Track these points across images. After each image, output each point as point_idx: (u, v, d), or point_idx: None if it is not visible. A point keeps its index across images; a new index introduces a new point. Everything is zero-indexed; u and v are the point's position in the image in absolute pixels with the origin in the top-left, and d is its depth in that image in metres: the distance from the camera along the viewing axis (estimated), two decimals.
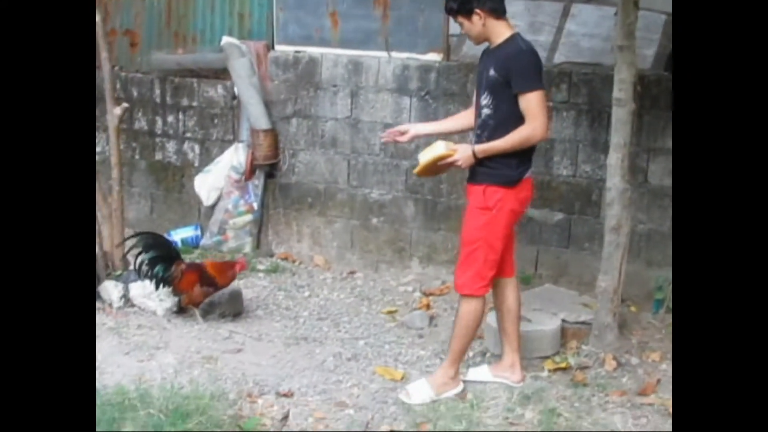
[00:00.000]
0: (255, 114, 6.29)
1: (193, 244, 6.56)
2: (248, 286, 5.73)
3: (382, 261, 6.21)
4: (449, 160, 4.14)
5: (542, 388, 4.25)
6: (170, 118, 6.82)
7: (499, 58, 4.07)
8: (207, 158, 6.67)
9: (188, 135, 6.77)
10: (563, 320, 4.83)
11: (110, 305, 5.12)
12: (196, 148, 6.76)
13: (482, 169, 4.11)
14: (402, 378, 4.42)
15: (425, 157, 4.21)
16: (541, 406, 4.08)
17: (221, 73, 6.52)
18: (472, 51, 5.95)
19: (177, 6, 6.81)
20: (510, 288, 4.36)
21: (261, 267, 6.16)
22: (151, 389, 3.94)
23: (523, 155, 4.09)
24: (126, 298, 5.17)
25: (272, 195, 6.52)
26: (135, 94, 6.86)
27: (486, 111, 4.10)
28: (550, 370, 4.51)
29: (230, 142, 6.58)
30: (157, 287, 5.04)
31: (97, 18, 5.20)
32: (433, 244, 6.06)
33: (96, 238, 5.32)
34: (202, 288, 5.06)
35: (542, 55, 5.66)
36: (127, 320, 4.99)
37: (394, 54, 6.06)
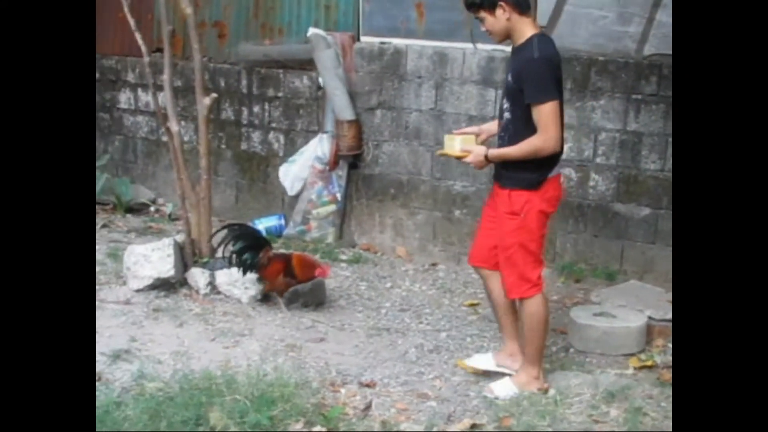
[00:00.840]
0: (340, 105, 6.33)
1: (276, 233, 6.64)
2: (331, 276, 5.76)
3: (464, 253, 6.17)
4: (463, 161, 4.15)
5: (627, 386, 4.18)
6: (256, 109, 6.91)
7: (516, 63, 3.95)
8: (291, 148, 6.74)
9: (273, 125, 6.86)
10: (649, 317, 4.75)
11: (197, 292, 5.22)
12: (281, 138, 6.84)
13: (505, 173, 4.06)
14: (484, 371, 4.41)
15: (446, 146, 4.23)
16: (627, 404, 4.01)
17: (307, 64, 6.58)
18: (559, 43, 5.85)
19: None
20: (493, 280, 4.27)
21: (343, 257, 6.21)
22: (237, 375, 4.00)
23: (540, 160, 3.96)
24: (212, 285, 5.26)
25: (355, 186, 6.56)
26: (222, 84, 6.97)
27: (507, 115, 4.02)
28: (635, 368, 4.44)
29: (315, 133, 6.63)
30: (244, 273, 5.13)
31: (188, 10, 5.30)
32: None
33: (185, 227, 5.44)
34: (285, 279, 5.12)
35: (631, 47, 5.61)
36: (213, 307, 5.08)
37: (479, 45, 6.03)
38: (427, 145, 6.23)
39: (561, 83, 3.98)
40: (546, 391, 4.14)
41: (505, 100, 4.04)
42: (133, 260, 5.23)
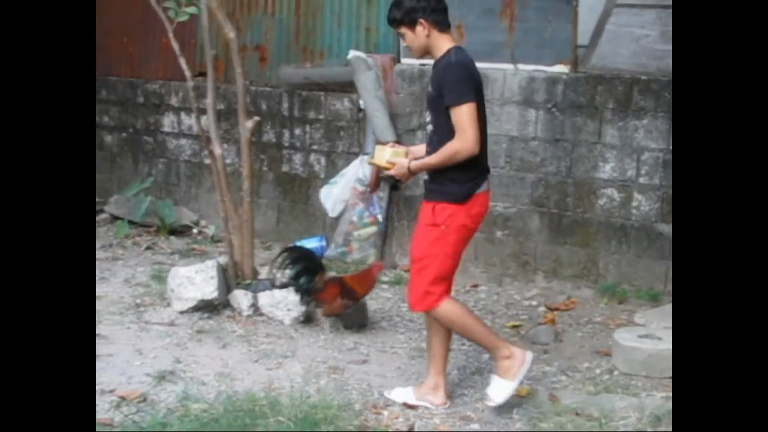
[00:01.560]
0: (380, 126, 6.36)
1: (317, 255, 6.66)
2: (372, 298, 5.78)
3: (506, 275, 6.17)
4: (387, 173, 4.26)
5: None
6: (297, 131, 6.97)
7: (435, 74, 4.04)
8: (332, 170, 6.79)
9: (314, 147, 6.91)
10: None
11: (240, 313, 5.26)
12: (322, 160, 6.89)
13: (432, 186, 4.09)
14: (527, 393, 4.38)
15: (376, 157, 4.32)
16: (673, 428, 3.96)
17: (347, 87, 6.63)
18: (601, 62, 5.87)
19: (305, 22, 6.98)
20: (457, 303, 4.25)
21: (385, 279, 6.22)
22: (280, 397, 4.03)
23: (470, 171, 4.00)
24: (255, 306, 5.29)
25: (396, 207, 6.58)
26: (264, 107, 7.04)
27: (430, 127, 4.09)
28: None
29: (356, 155, 6.67)
30: (301, 299, 5.17)
31: (231, 35, 5.37)
32: (558, 258, 5.99)
33: (228, 249, 5.49)
34: (343, 300, 5.12)
35: (669, 63, 5.57)
36: (256, 328, 5.11)
37: (520, 66, 6.03)
38: None
39: (481, 91, 4.04)
40: (591, 415, 4.11)
41: (427, 113, 4.13)
42: (177, 282, 5.28)
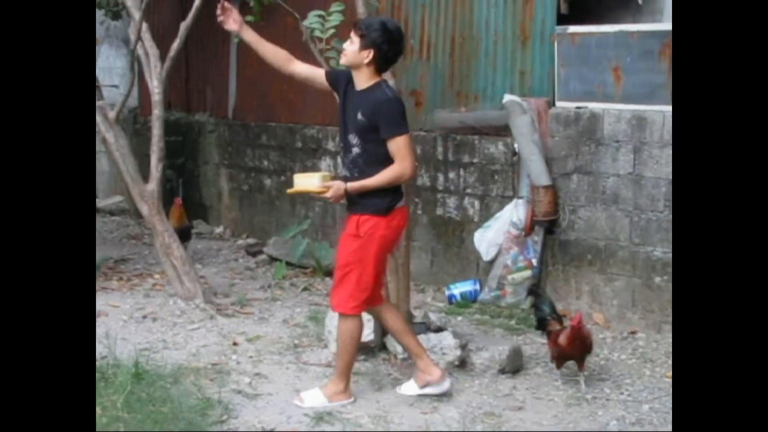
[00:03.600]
0: (535, 170, 6.36)
1: (471, 299, 6.70)
2: (527, 343, 5.75)
3: (666, 321, 6.01)
4: (322, 196, 4.60)
5: None
6: (451, 175, 7.06)
7: (367, 103, 4.43)
8: (486, 214, 6.82)
9: (468, 191, 6.97)
10: None
11: (395, 356, 5.33)
12: (476, 203, 6.93)
13: (357, 200, 4.53)
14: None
15: (299, 184, 4.71)
16: None
17: (502, 130, 6.67)
18: None
19: (460, 66, 7.08)
20: (384, 311, 4.80)
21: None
22: None
23: (392, 189, 4.50)
24: None
25: (551, 251, 6.53)
26: (419, 151, 7.16)
27: (356, 150, 4.50)
28: None
29: (510, 198, 6.68)
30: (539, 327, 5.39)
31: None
32: None
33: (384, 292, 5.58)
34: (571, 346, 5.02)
35: None
36: (411, 372, 5.17)
37: None
38: (626, 211, 6.13)
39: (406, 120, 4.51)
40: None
41: (353, 136, 4.50)
42: (334, 324, 5.39)
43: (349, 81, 4.57)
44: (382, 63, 4.48)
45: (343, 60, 4.55)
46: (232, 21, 4.78)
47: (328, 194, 4.53)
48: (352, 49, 4.46)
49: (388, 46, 4.43)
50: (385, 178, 4.45)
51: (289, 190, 4.83)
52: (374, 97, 4.43)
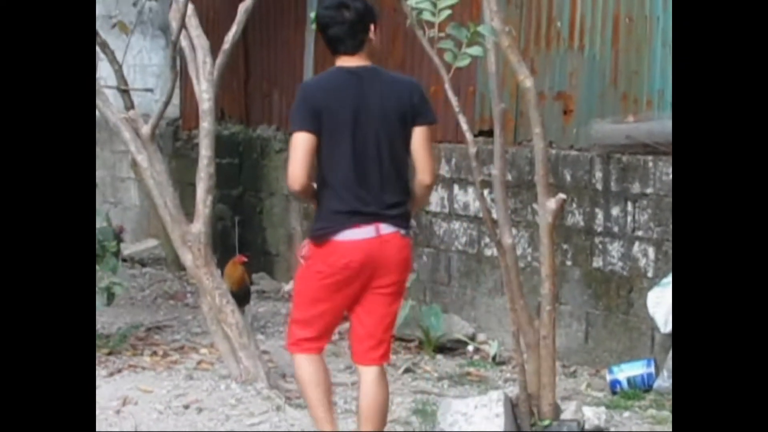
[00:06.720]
0: None
1: (643, 386, 6.57)
2: None
3: None
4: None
5: None
6: (615, 211, 6.97)
7: None
8: (665, 266, 6.69)
9: (639, 234, 6.86)
10: None
11: None
12: (650, 252, 6.82)
13: None
14: None
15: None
16: None
17: None
18: None
19: (626, 59, 7.00)
20: (363, 380, 4.89)
21: None
22: None
23: (325, 209, 4.69)
24: None
25: None
26: (567, 178, 7.10)
27: None
28: None
29: None
30: None
31: (528, 83, 5.47)
32: None
33: (519, 376, 5.52)
34: None
35: None
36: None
37: None
38: None
39: (339, 117, 4.63)
40: None
41: None
42: (450, 420, 5.36)
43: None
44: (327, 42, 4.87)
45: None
46: None
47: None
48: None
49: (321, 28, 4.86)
50: None
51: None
52: None
